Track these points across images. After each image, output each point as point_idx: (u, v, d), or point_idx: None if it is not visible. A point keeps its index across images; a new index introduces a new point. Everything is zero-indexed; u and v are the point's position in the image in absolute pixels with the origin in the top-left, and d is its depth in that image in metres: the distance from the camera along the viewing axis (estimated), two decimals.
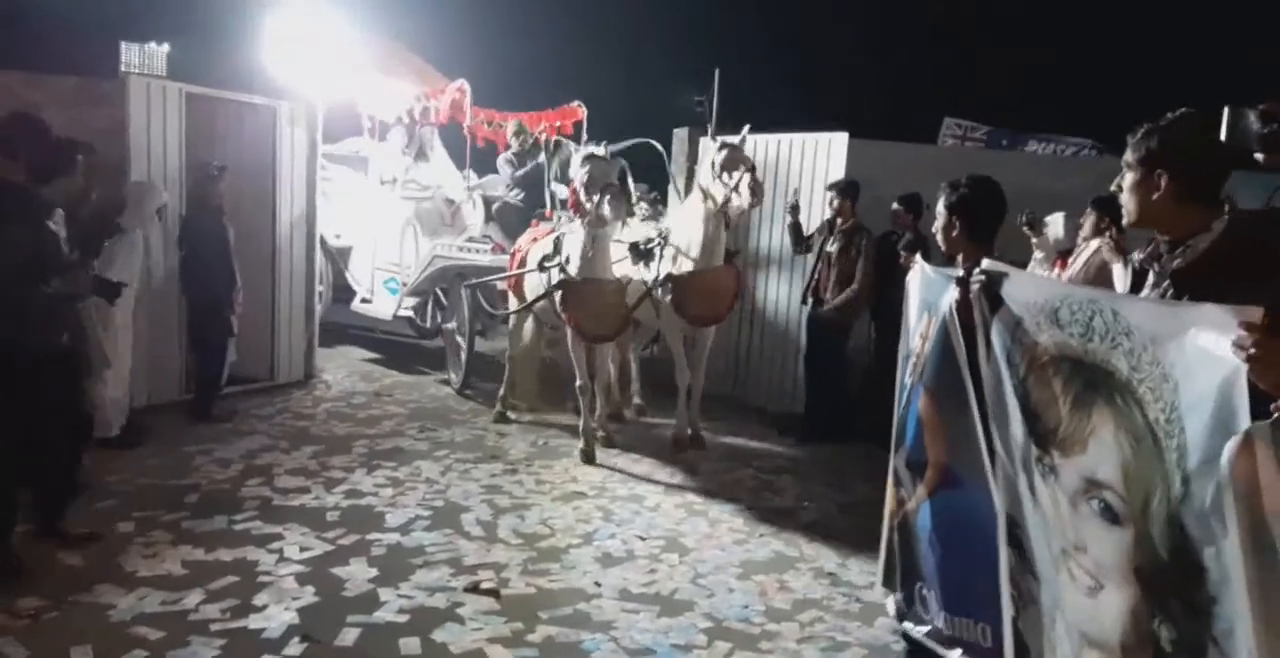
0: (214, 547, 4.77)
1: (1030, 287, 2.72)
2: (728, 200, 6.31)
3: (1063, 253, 6.25)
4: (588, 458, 6.59)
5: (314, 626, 3.99)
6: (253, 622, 4.01)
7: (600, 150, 6.43)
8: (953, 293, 3.20)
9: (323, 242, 9.16)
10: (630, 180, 6.55)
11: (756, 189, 6.19)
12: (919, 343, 3.58)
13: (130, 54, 7.05)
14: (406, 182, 9.57)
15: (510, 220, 8.84)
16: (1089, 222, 5.73)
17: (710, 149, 6.57)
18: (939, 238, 3.59)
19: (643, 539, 5.20)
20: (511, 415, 7.63)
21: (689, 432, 7.06)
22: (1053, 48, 16.75)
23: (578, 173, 6.37)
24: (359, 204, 9.78)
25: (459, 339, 8.38)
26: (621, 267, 6.98)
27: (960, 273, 3.19)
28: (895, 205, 7.05)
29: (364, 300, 9.73)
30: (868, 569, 4.89)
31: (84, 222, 5.61)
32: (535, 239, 7.36)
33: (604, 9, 17.09)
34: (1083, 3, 16.67)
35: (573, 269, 6.43)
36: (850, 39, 17.69)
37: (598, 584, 4.60)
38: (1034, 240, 6.36)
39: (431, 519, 5.33)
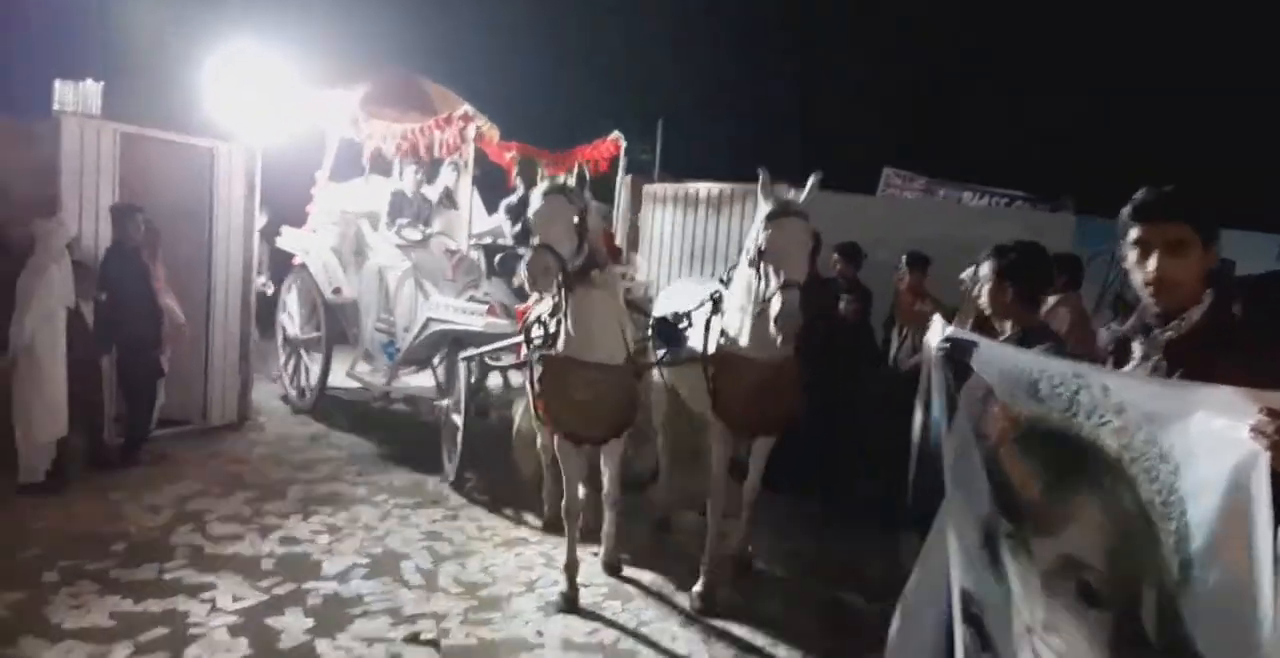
0: (143, 597, 4.63)
1: (1002, 357, 2.64)
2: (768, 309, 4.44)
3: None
4: (568, 604, 4.88)
5: None
6: None
7: (556, 184, 4.76)
8: (936, 359, 3.00)
9: (321, 298, 8.47)
10: (590, 221, 4.69)
11: (787, 322, 4.30)
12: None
13: (65, 92, 6.91)
14: (403, 227, 8.30)
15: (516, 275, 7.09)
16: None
17: (760, 210, 4.68)
18: (987, 303, 3.45)
19: (585, 587, 5.17)
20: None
21: (722, 576, 5.14)
22: (997, 98, 17.32)
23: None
24: (357, 255, 8.57)
25: (454, 419, 6.82)
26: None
27: (939, 340, 3.06)
28: (835, 255, 7.21)
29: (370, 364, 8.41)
30: (812, 618, 4.93)
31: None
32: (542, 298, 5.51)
33: (544, 58, 17.30)
34: (1023, 57, 17.27)
35: (559, 343, 4.81)
36: (789, 89, 18.10)
37: (540, 634, 4.56)
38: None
39: (370, 567, 5.24)
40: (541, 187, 4.77)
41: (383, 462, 7.44)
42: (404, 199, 8.49)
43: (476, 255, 7.60)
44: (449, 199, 8.81)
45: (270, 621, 4.48)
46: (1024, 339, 3.15)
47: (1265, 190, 12.80)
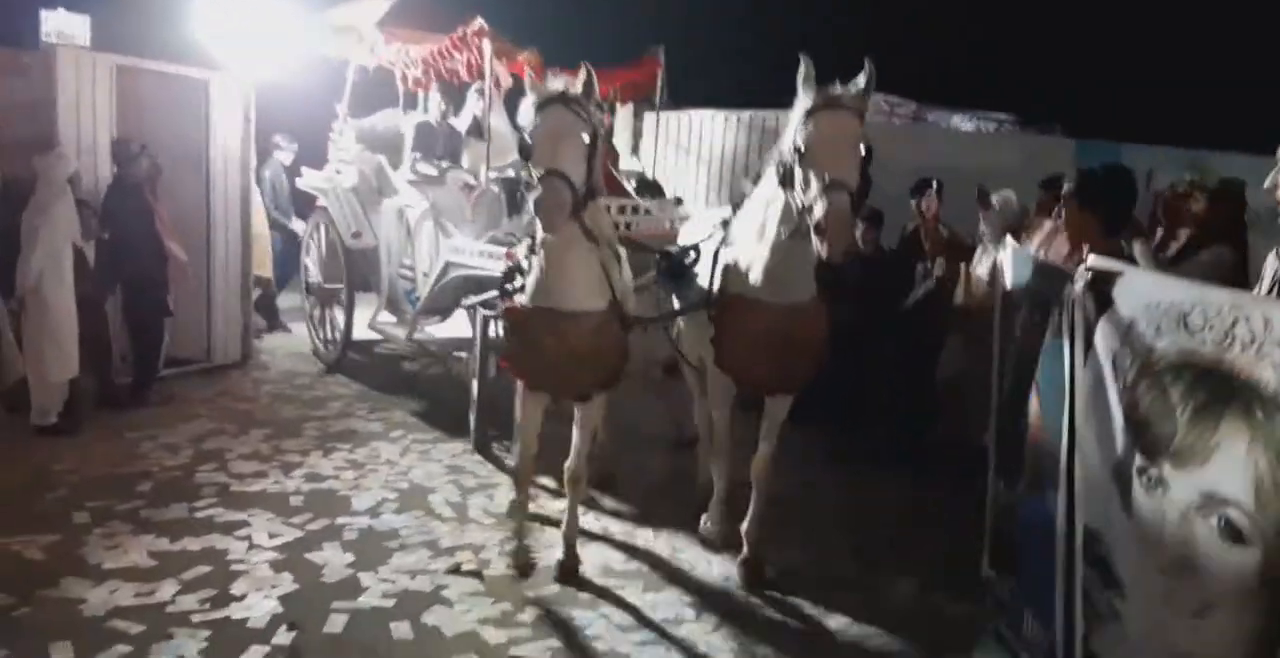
0: (178, 536, 4.63)
1: (1152, 287, 2.54)
2: (806, 221, 3.63)
3: (1010, 230, 6.41)
4: (521, 570, 4.43)
5: (298, 613, 3.92)
6: (234, 612, 3.91)
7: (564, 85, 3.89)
8: (1076, 289, 2.91)
9: (341, 243, 7.81)
10: (602, 144, 4.09)
11: (838, 227, 3.47)
12: (1023, 337, 3.40)
13: (52, 23, 6.65)
14: (417, 161, 7.54)
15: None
16: (1039, 202, 5.89)
17: (799, 105, 3.82)
18: (1066, 230, 3.33)
19: (616, 516, 5.22)
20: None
21: (746, 558, 4.54)
22: (980, 23, 17.09)
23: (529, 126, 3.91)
24: (378, 195, 7.77)
25: (472, 380, 6.24)
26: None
27: (1083, 268, 2.94)
28: None
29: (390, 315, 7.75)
30: (843, 544, 5.01)
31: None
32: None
33: None
34: None
35: (528, 289, 4.16)
36: (782, 13, 17.77)
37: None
38: (981, 214, 6.50)
39: (399, 502, 5.26)
40: (535, 94, 3.88)
41: (394, 398, 7.41)
42: (430, 131, 7.71)
43: (497, 191, 6.76)
44: (478, 130, 7.62)
45: (310, 556, 4.49)
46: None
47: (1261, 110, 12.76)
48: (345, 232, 7.74)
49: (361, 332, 7.90)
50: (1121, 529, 2.56)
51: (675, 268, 4.71)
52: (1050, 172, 8.50)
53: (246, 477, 5.51)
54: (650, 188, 7.84)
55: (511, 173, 7.12)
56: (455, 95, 8.06)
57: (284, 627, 3.80)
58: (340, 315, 8.06)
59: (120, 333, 6.84)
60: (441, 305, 7.05)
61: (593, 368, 4.17)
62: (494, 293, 4.92)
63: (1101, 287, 2.68)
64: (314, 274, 8.52)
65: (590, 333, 4.05)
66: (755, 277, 4.14)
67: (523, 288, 4.18)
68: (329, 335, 8.33)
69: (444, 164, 7.50)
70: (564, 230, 3.80)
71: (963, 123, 13.30)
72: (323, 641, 3.73)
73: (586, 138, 3.79)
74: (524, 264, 4.29)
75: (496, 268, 5.63)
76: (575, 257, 3.98)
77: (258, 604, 3.99)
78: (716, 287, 4.36)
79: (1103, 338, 2.66)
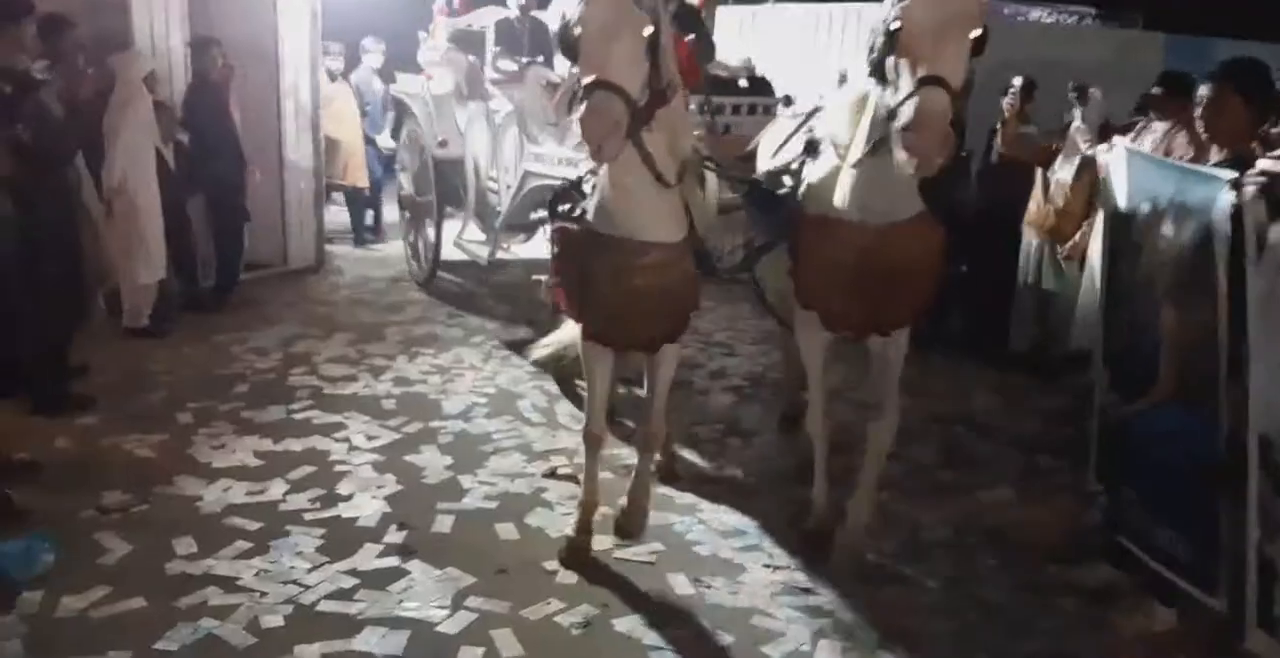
0: (280, 437, 4.73)
1: None
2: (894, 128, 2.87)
3: (1103, 129, 6.17)
4: (574, 559, 3.69)
5: (406, 514, 4.01)
6: (344, 511, 4.01)
7: None
8: (1226, 196, 2.77)
9: (423, 151, 7.39)
10: (669, 36, 3.28)
11: (926, 132, 2.76)
12: (1154, 245, 3.27)
13: None
14: (497, 57, 6.94)
15: None
16: (1152, 99, 5.60)
17: None
18: (1201, 126, 3.14)
19: (701, 424, 5.24)
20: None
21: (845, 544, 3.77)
22: None
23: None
24: (467, 99, 7.16)
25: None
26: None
27: (1231, 174, 2.80)
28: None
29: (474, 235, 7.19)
30: (928, 449, 5.00)
31: (83, 101, 5.36)
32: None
33: None
34: None
35: (589, 211, 3.46)
36: None
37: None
38: (1077, 111, 6.22)
39: (489, 406, 5.32)
40: None
41: (472, 304, 7.41)
42: (511, 28, 7.12)
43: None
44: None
45: (410, 458, 4.58)
46: (1235, 166, 2.97)
47: None
48: (431, 140, 7.29)
49: (451, 250, 7.43)
50: None
51: (764, 198, 3.86)
52: (1140, 68, 8.14)
53: (337, 380, 5.60)
54: (758, 86, 7.08)
55: None
56: None
57: (394, 526, 3.89)
58: (432, 231, 7.59)
59: (202, 237, 6.90)
60: (523, 221, 6.57)
61: (659, 310, 3.45)
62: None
63: (1276, 192, 2.55)
64: (406, 187, 8.00)
65: (655, 269, 3.32)
66: (842, 192, 3.35)
67: (577, 212, 3.48)
68: (422, 252, 7.86)
69: (524, 60, 6.79)
70: (641, 140, 3.13)
71: (1042, 16, 12.74)
72: (432, 540, 3.82)
73: (647, 33, 2.98)
74: (585, 183, 3.58)
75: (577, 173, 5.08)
76: (637, 182, 3.23)
77: (366, 504, 4.09)
78: (796, 206, 3.58)
79: (1275, 245, 2.56)
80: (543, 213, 4.98)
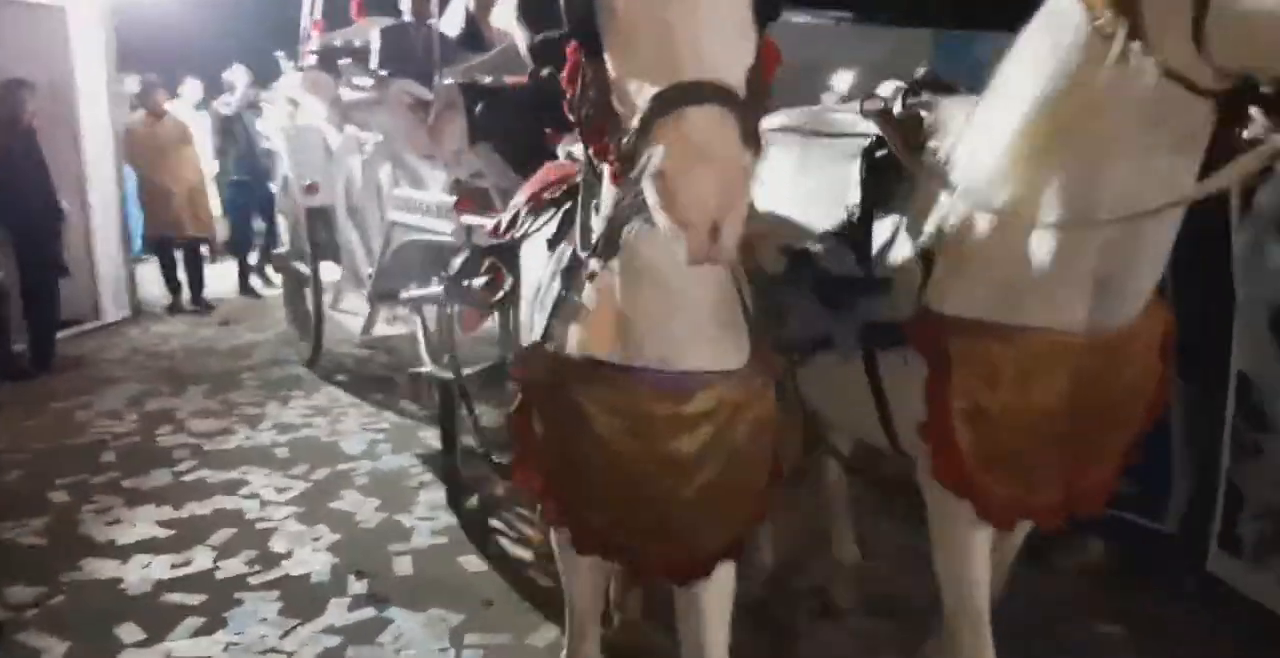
0: (179, 502, 4.35)
1: None
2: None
3: None
4: None
5: (359, 562, 3.77)
6: (291, 569, 3.73)
7: None
8: None
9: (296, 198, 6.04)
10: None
11: None
12: None
13: None
14: (347, 71, 5.72)
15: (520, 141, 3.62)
16: None
17: None
18: None
19: None
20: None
21: None
22: None
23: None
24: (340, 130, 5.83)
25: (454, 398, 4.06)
26: None
27: None
28: None
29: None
30: None
31: None
32: (548, 186, 2.35)
33: None
34: None
35: (574, 324, 1.81)
36: None
37: None
38: None
39: (390, 442, 5.10)
40: None
41: (298, 321, 6.96)
42: (402, 37, 5.45)
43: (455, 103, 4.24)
44: (475, 37, 5.30)
45: (334, 505, 4.31)
46: None
47: None
48: (296, 184, 5.97)
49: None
50: (1275, 375, 2.76)
51: (829, 284, 2.09)
52: (911, 67, 8.72)
53: (213, 435, 5.21)
54: None
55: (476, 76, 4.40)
56: None
57: (352, 577, 3.66)
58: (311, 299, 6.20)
59: (12, 295, 6.22)
60: (397, 287, 4.39)
61: (712, 500, 1.82)
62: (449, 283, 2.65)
63: None
64: (283, 241, 6.84)
65: (713, 421, 1.76)
66: (1043, 278, 1.84)
67: (538, 324, 1.90)
68: (303, 322, 6.53)
69: (383, 72, 5.26)
70: None
71: (794, 18, 13.37)
72: (399, 583, 3.62)
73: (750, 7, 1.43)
74: (532, 253, 2.16)
75: (442, 229, 4.11)
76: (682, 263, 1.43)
77: (311, 559, 3.83)
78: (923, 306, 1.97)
79: (1267, 193, 2.75)
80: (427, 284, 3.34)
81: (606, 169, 1.56)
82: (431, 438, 5.12)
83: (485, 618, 3.37)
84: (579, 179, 1.85)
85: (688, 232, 1.29)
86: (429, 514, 4.24)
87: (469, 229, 3.61)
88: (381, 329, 5.62)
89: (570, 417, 1.80)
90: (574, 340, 1.81)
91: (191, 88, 8.60)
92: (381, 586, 3.61)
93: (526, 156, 3.20)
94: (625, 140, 1.37)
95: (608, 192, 1.60)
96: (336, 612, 3.43)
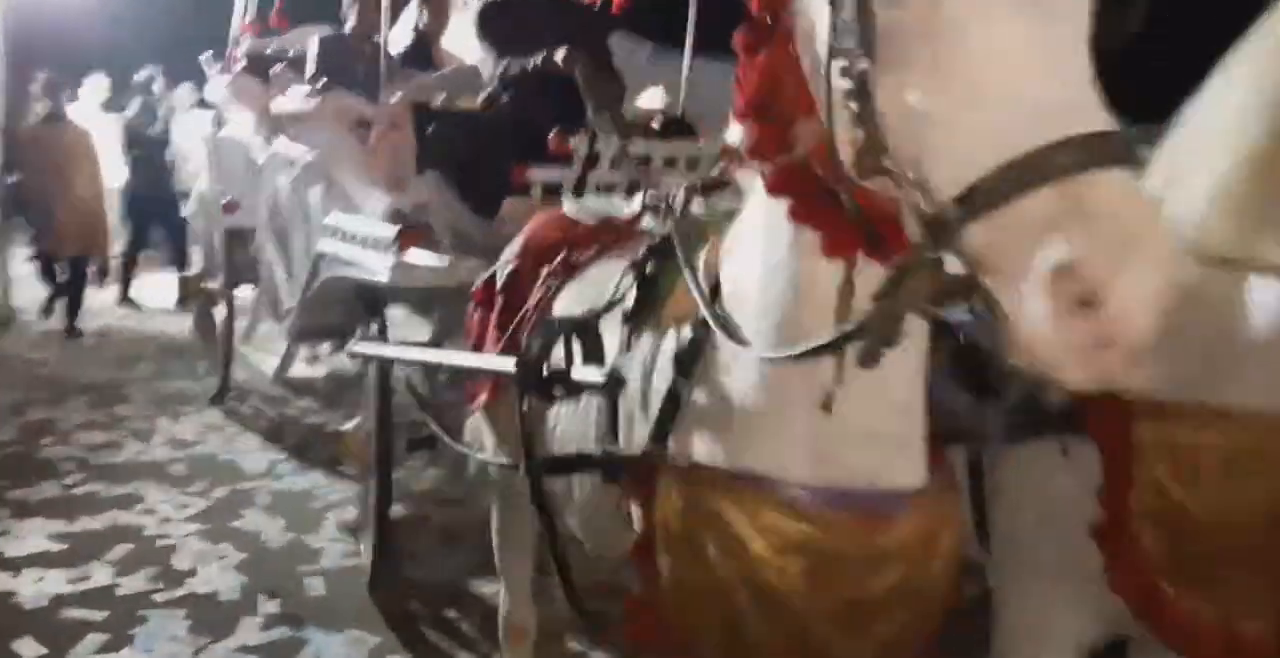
0: (73, 516, 4.18)
1: None
2: None
3: None
4: None
5: (269, 582, 3.71)
6: (198, 588, 3.63)
7: None
8: None
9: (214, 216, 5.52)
10: None
11: None
12: None
13: None
14: (281, 82, 5.16)
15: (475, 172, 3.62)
16: None
17: None
18: None
19: None
20: None
21: None
22: None
23: None
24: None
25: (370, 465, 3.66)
26: None
27: None
28: None
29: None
30: None
31: None
32: (569, 242, 2.14)
33: None
34: None
35: (699, 435, 1.39)
36: None
37: None
38: None
39: (292, 462, 5.02)
40: None
41: (203, 351, 6.81)
42: (341, 49, 5.04)
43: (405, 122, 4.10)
44: (422, 53, 5.02)
45: (236, 524, 4.22)
46: None
47: None
48: (214, 201, 5.57)
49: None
50: None
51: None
52: None
53: (100, 448, 5.03)
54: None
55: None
56: None
57: (263, 596, 3.59)
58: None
59: None
60: (320, 325, 4.54)
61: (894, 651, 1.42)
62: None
63: None
64: (195, 262, 6.35)
65: (903, 555, 1.35)
66: (1239, 334, 1.46)
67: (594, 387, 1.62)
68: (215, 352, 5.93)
69: (319, 84, 4.74)
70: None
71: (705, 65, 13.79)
72: (314, 604, 3.57)
73: None
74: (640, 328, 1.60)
75: (379, 269, 3.40)
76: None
77: (217, 578, 3.73)
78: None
79: None
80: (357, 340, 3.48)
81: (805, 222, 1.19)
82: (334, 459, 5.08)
83: (407, 639, 3.38)
84: (652, 233, 1.60)
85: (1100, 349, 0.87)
86: (339, 537, 4.18)
87: (411, 270, 3.30)
88: (299, 370, 5.19)
89: (719, 550, 1.34)
90: (720, 448, 1.36)
91: (95, 87, 8.17)
92: (296, 606, 3.56)
93: (483, 190, 3.16)
94: (922, 195, 0.95)
95: (791, 256, 1.23)
96: (249, 631, 3.36)
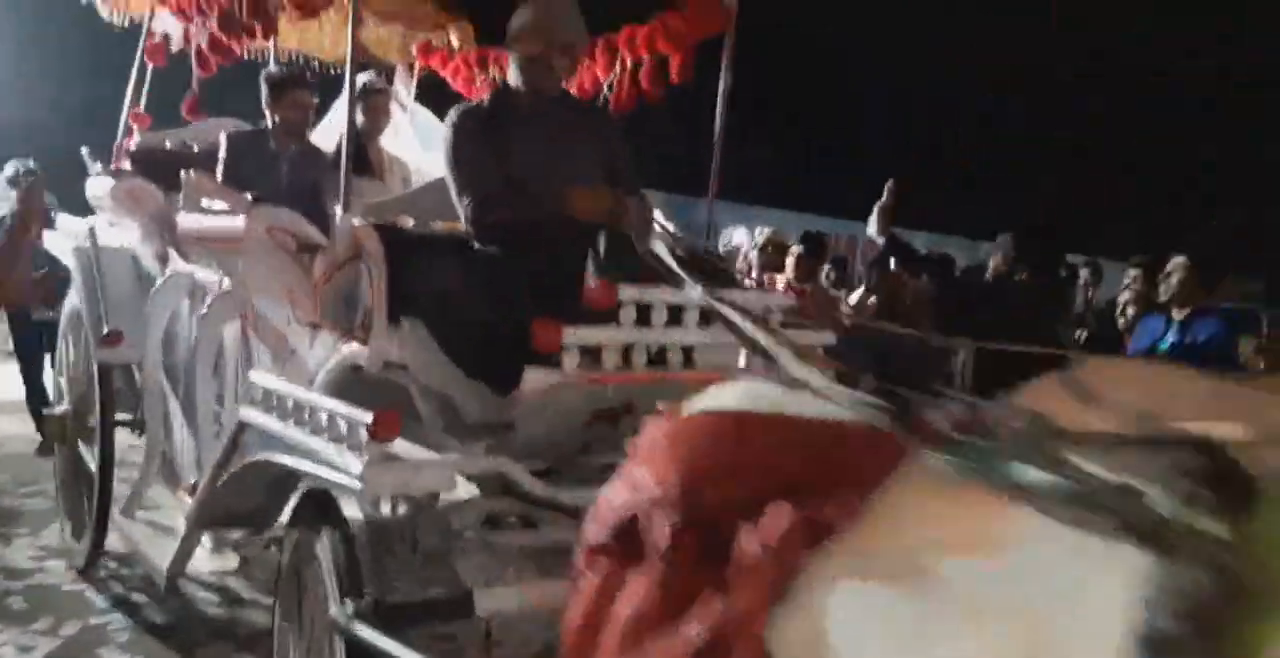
0: None
1: None
2: None
3: None
4: None
5: None
6: None
7: None
8: None
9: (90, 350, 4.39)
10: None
11: None
12: None
13: None
14: (192, 189, 3.96)
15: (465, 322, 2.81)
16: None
17: None
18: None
19: None
20: None
21: None
22: None
23: None
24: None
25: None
26: None
27: None
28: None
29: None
30: None
31: None
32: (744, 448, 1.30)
33: None
34: None
35: None
36: None
37: None
38: None
39: (149, 591, 4.56)
40: None
41: (42, 466, 6.20)
42: (256, 148, 4.38)
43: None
44: (361, 158, 4.20)
45: None
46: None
47: None
48: (94, 330, 4.35)
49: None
50: None
51: None
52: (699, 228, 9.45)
53: None
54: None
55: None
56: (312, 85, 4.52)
57: None
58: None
59: None
60: (237, 514, 3.41)
61: None
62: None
63: None
64: (63, 399, 5.01)
65: None
66: None
67: None
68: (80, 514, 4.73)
69: (248, 196, 3.69)
70: None
71: None
72: None
73: None
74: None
75: (351, 468, 2.24)
76: None
77: None
78: None
79: None
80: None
81: None
82: (197, 588, 4.64)
83: None
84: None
85: None
86: None
87: (400, 473, 2.24)
88: (203, 562, 4.01)
89: None
90: None
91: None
92: None
93: (491, 352, 2.36)
94: None
95: None
96: None
